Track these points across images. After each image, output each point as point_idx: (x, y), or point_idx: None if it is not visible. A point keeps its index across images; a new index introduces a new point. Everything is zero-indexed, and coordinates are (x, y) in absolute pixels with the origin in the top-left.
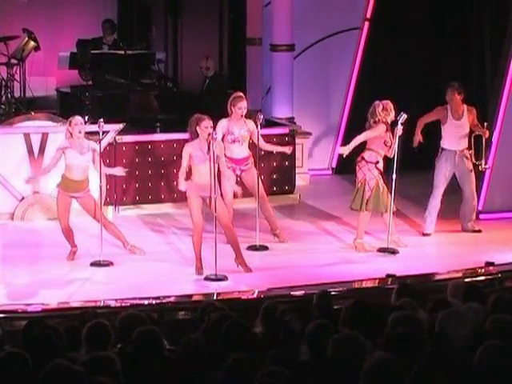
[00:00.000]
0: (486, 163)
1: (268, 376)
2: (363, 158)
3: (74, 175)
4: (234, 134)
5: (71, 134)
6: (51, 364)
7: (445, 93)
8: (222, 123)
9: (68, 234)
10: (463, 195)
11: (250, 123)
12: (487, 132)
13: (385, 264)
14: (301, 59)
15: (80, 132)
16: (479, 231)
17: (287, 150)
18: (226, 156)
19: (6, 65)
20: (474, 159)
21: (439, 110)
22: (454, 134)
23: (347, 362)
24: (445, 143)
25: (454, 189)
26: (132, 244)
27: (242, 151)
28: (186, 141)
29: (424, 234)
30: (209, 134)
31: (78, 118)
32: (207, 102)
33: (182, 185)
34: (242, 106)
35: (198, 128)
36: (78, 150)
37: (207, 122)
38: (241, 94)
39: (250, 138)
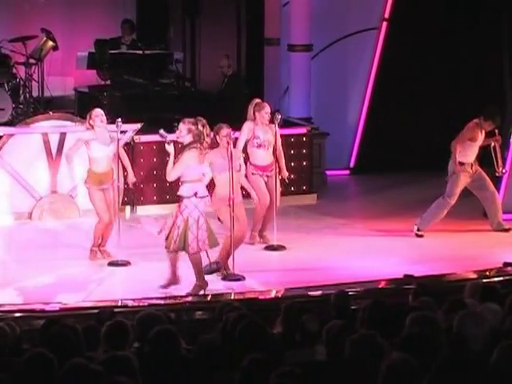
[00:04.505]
0: (504, 167)
1: (284, 376)
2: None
3: (101, 167)
4: (260, 139)
5: (92, 126)
6: (69, 363)
7: (478, 109)
8: (249, 126)
9: (106, 228)
10: (485, 198)
11: (273, 127)
12: (500, 139)
13: (402, 265)
14: (318, 59)
15: (102, 121)
16: (508, 230)
17: (284, 175)
18: (251, 163)
19: (25, 64)
20: (495, 166)
21: (473, 127)
22: (475, 149)
23: (365, 363)
24: (464, 157)
25: (466, 191)
26: (104, 249)
27: (267, 157)
28: None
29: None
30: (228, 143)
31: (97, 110)
32: (225, 101)
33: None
34: (268, 111)
35: (217, 137)
36: (103, 142)
37: (225, 131)
38: (259, 100)
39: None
